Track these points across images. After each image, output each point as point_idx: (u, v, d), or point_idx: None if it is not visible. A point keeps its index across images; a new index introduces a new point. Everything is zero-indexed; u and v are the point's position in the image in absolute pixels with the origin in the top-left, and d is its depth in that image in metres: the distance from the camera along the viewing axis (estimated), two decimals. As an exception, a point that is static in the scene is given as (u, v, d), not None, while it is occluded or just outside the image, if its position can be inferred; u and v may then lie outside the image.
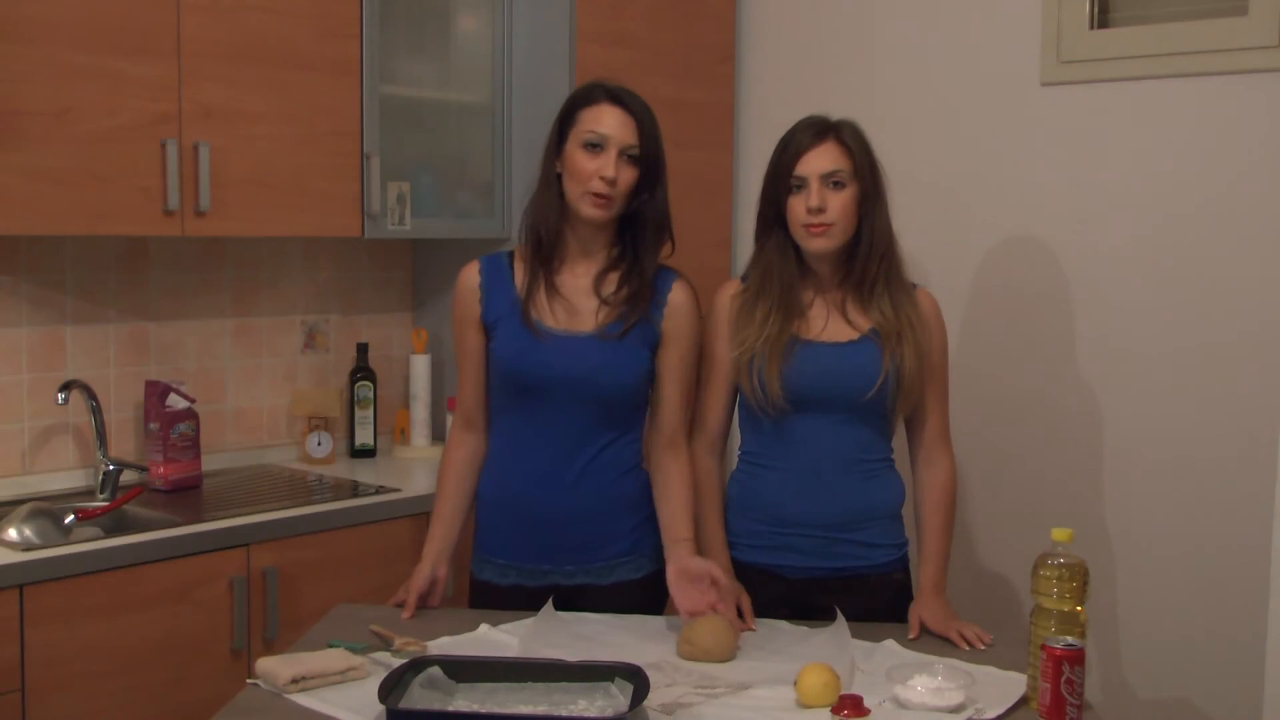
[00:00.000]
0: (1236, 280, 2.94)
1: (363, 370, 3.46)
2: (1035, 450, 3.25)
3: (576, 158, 2.30)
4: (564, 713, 1.85)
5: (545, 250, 2.37)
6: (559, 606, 2.35)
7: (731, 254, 3.76)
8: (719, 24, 3.72)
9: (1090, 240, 3.14)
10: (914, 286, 2.42)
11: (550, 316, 2.35)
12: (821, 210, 2.29)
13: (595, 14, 3.36)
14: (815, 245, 2.33)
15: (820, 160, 2.31)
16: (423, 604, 2.36)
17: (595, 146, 2.29)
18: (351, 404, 3.44)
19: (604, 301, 2.35)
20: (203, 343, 3.23)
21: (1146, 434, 3.08)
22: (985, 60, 3.29)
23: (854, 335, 2.35)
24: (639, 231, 2.37)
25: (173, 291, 3.17)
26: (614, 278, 2.37)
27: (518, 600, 2.39)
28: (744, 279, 2.44)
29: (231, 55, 2.83)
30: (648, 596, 2.41)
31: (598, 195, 2.29)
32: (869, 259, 2.34)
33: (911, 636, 2.23)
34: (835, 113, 2.40)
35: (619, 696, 1.88)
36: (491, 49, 3.42)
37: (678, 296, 2.39)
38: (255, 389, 3.34)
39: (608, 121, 2.30)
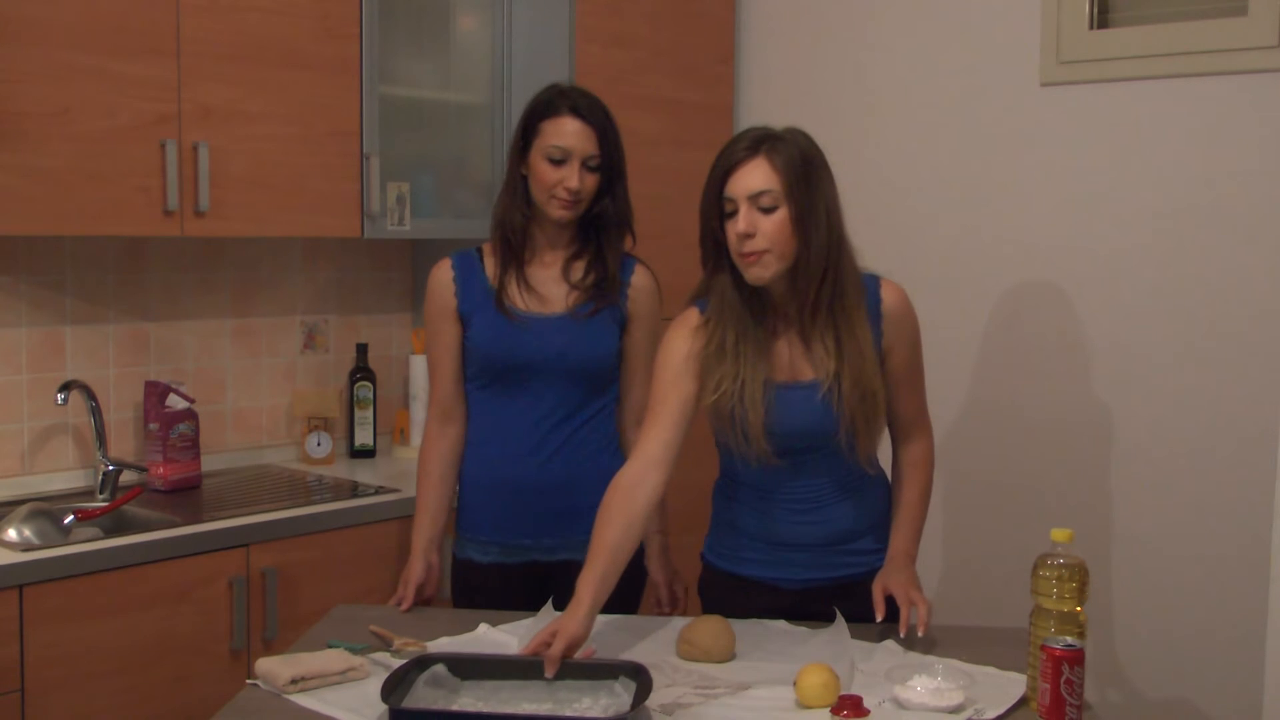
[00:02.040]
0: (1236, 280, 2.94)
1: (362, 370, 3.46)
2: (1034, 450, 3.25)
3: (542, 168, 2.44)
4: (568, 712, 1.85)
5: (514, 247, 2.52)
6: (540, 588, 2.47)
7: (731, 254, 3.76)
8: (718, 24, 3.72)
9: (1089, 240, 3.14)
10: (876, 279, 2.27)
11: (523, 302, 2.50)
12: (750, 235, 2.11)
13: (595, 14, 3.36)
14: (750, 275, 2.14)
15: (747, 180, 2.11)
16: (420, 596, 2.44)
17: (558, 159, 2.43)
18: (351, 404, 3.44)
19: (573, 286, 2.51)
20: (202, 343, 3.23)
21: (1145, 434, 3.08)
22: (985, 61, 3.30)
23: (820, 373, 2.21)
24: (602, 230, 2.52)
25: (172, 292, 3.17)
26: (580, 265, 2.53)
27: (498, 578, 2.50)
28: (700, 307, 2.25)
29: (231, 56, 2.83)
30: (627, 576, 2.39)
31: (562, 199, 2.44)
32: (809, 283, 2.16)
33: (878, 618, 2.14)
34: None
35: (623, 695, 1.89)
36: (491, 49, 3.42)
37: (640, 279, 2.56)
38: (255, 389, 3.34)
39: (569, 135, 2.43)
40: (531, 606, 2.43)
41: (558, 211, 2.45)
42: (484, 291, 2.51)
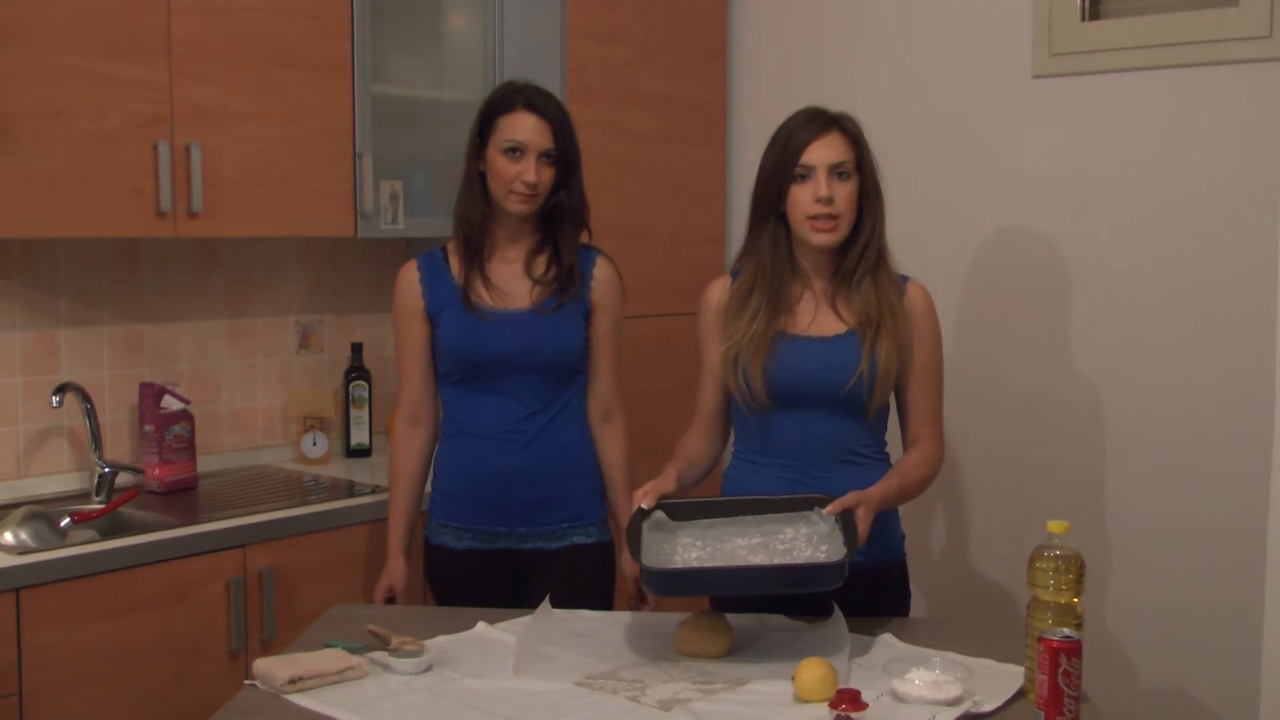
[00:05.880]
0: (1229, 269, 2.94)
1: (357, 370, 3.46)
2: (1030, 441, 3.25)
3: (499, 163, 2.50)
4: (778, 544, 2.13)
5: (475, 244, 2.57)
6: (514, 578, 2.56)
7: (725, 250, 3.76)
8: (711, 20, 3.72)
9: (1083, 231, 3.14)
10: (905, 280, 2.40)
11: (489, 299, 2.55)
12: (831, 200, 2.27)
13: (587, 10, 3.36)
14: (821, 240, 2.30)
15: (828, 150, 2.28)
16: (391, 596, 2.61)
17: (515, 152, 2.48)
18: (346, 404, 3.44)
19: (535, 281, 2.56)
20: (197, 344, 3.23)
21: (1141, 424, 3.08)
22: (977, 53, 3.30)
23: (840, 329, 2.33)
24: (558, 224, 2.57)
25: (166, 293, 3.17)
26: (542, 260, 2.58)
27: (470, 564, 2.56)
28: (733, 274, 2.43)
29: (222, 56, 2.82)
30: (600, 563, 2.59)
31: (520, 193, 2.49)
32: (864, 254, 2.33)
33: (826, 510, 2.14)
34: (828, 107, 2.39)
35: (819, 523, 2.14)
36: (483, 46, 3.41)
37: (602, 270, 2.61)
38: (250, 390, 3.34)
39: (525, 129, 2.49)
40: (501, 591, 2.55)
41: (516, 206, 2.50)
42: (451, 290, 2.56)
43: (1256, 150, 2.89)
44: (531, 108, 2.50)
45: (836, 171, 2.28)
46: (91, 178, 2.65)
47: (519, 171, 2.48)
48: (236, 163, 2.86)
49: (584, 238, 2.62)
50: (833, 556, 2.07)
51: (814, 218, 2.28)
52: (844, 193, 2.29)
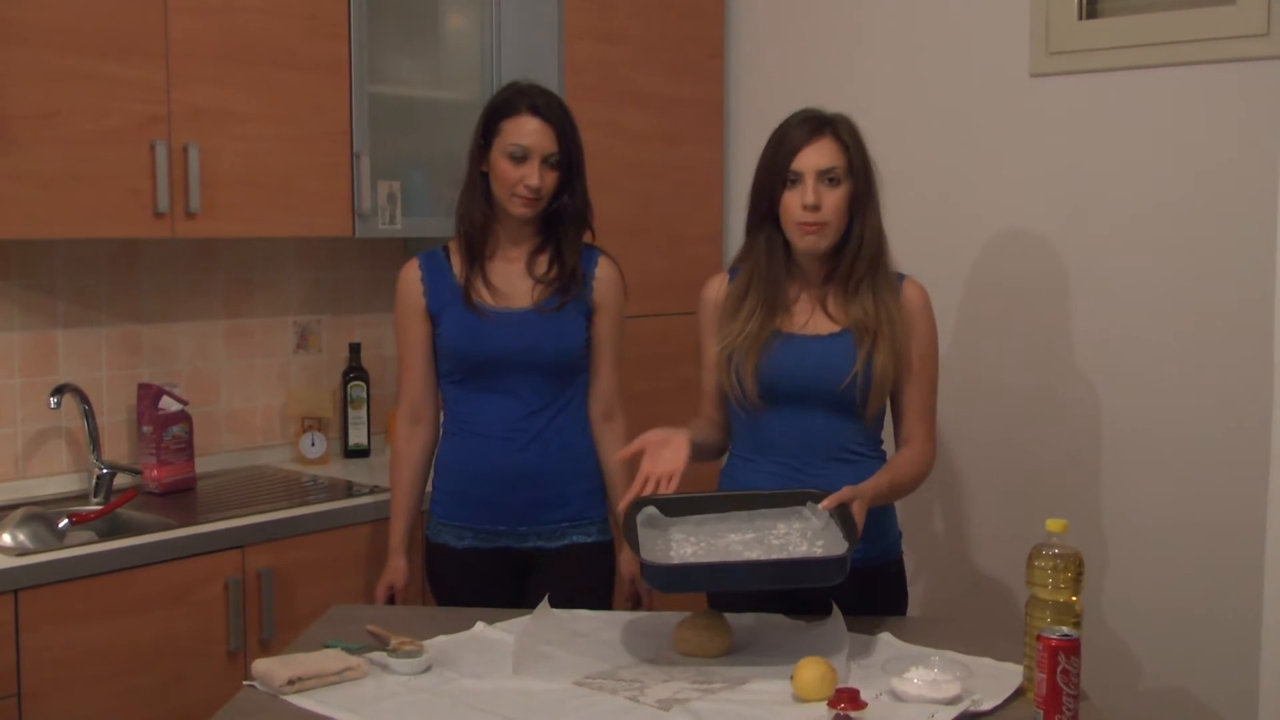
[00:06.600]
0: (1226, 267, 2.95)
1: (355, 370, 3.46)
2: (1029, 441, 3.25)
3: (502, 166, 2.50)
4: (773, 539, 2.13)
5: (476, 244, 2.57)
6: (514, 577, 2.56)
7: (723, 249, 3.76)
8: (708, 19, 3.72)
9: (1081, 230, 3.15)
10: (901, 278, 2.40)
11: (490, 298, 2.55)
12: (817, 207, 2.28)
13: (584, 10, 3.36)
14: (807, 244, 2.32)
15: (817, 156, 2.29)
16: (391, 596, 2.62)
17: (519, 156, 2.48)
18: (345, 404, 3.44)
19: (537, 281, 2.56)
20: (195, 345, 3.23)
21: (1139, 422, 3.08)
22: (975, 52, 3.30)
23: (834, 329, 2.34)
24: (561, 226, 2.57)
25: (164, 293, 3.17)
26: (543, 260, 2.58)
27: (471, 563, 2.56)
28: (731, 272, 2.44)
29: (220, 56, 2.82)
30: (600, 562, 2.59)
31: (524, 197, 2.49)
32: (857, 259, 2.33)
33: (821, 505, 2.14)
34: (825, 105, 2.39)
35: (812, 519, 2.14)
36: (480, 46, 3.41)
37: (604, 270, 2.61)
38: (248, 390, 3.34)
39: (529, 133, 2.48)
40: (501, 590, 2.55)
41: (519, 209, 2.51)
42: (452, 289, 2.56)
43: (1255, 148, 2.89)
44: (535, 111, 2.49)
45: (826, 177, 2.29)
46: (89, 178, 2.65)
47: (522, 175, 2.48)
48: (234, 163, 2.86)
49: (587, 238, 2.62)
50: (833, 551, 2.07)
51: (801, 223, 2.30)
52: (832, 199, 2.29)
